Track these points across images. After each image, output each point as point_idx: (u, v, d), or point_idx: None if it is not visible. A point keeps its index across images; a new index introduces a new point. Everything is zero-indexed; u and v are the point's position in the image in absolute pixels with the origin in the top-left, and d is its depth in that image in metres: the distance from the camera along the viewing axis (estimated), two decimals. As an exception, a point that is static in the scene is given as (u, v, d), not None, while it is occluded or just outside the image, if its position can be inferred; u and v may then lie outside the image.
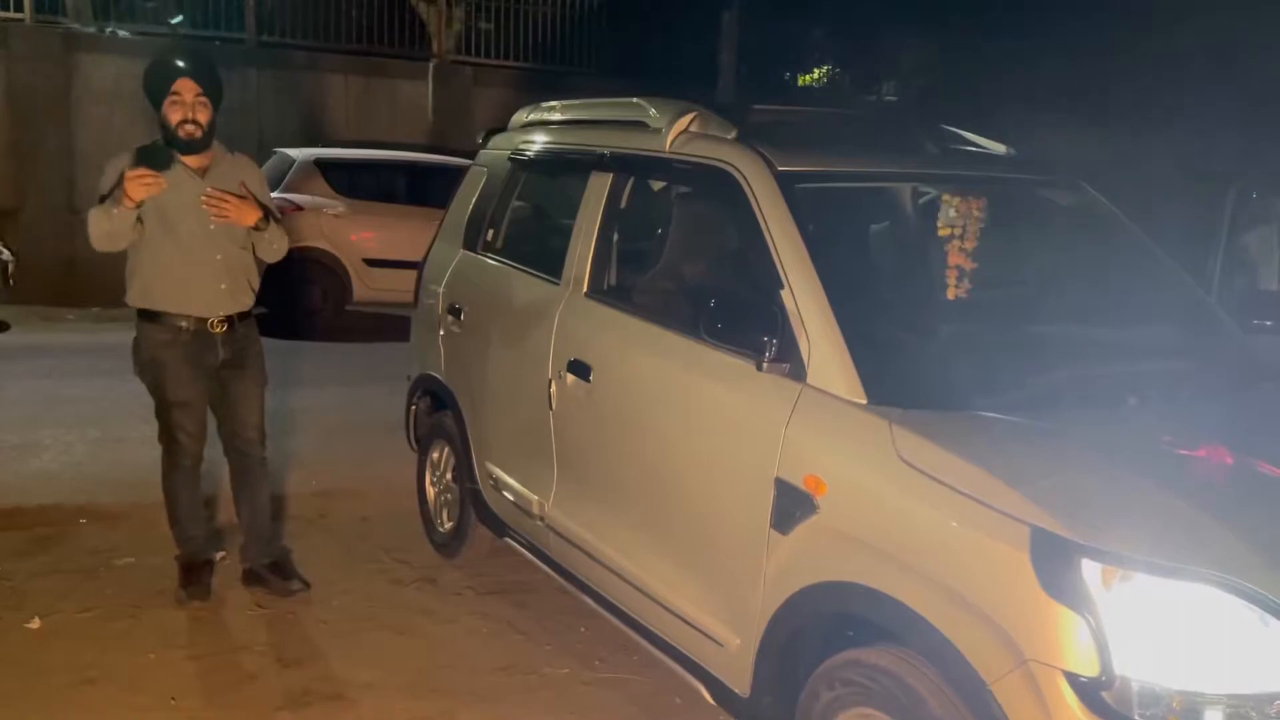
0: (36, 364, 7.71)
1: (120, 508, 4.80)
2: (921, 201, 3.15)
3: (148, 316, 3.72)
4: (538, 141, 4.05)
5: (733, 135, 3.05)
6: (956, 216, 3.00)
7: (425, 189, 9.38)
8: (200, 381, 3.76)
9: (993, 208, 3.07)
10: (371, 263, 9.56)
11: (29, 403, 6.49)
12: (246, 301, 3.82)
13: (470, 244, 4.29)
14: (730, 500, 2.66)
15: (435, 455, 4.53)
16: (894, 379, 2.42)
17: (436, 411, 4.50)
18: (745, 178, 2.87)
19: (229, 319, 3.75)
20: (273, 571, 4.04)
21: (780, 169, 2.86)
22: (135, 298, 3.74)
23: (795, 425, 2.47)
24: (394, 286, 8.96)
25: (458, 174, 4.37)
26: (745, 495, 2.58)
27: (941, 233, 3.02)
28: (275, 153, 9.68)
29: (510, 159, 4.17)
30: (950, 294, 2.97)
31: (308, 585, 4.03)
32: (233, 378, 3.83)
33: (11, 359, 7.94)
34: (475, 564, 4.32)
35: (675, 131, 3.20)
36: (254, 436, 3.94)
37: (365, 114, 11.10)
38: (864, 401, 2.38)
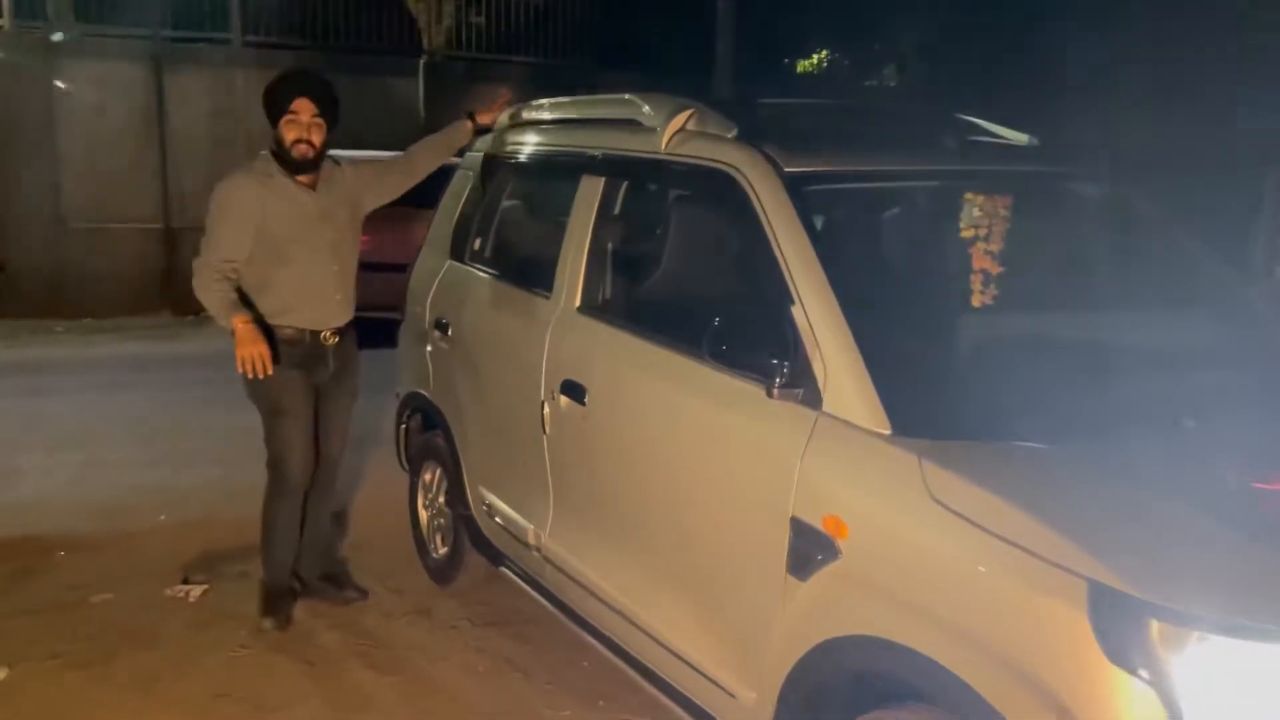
0: (19, 381, 7.48)
1: (101, 537, 4.58)
2: (940, 201, 2.88)
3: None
4: (526, 143, 3.79)
5: (733, 133, 2.79)
6: (981, 216, 2.74)
7: (419, 190, 9.10)
8: (311, 397, 3.74)
9: (1019, 204, 2.80)
10: (365, 266, 9.30)
11: (8, 423, 6.25)
12: (352, 309, 3.81)
13: (457, 254, 4.04)
14: (741, 540, 2.41)
15: (427, 477, 4.29)
16: (921, 405, 2.16)
17: (427, 431, 4.26)
18: (748, 180, 2.61)
19: (339, 330, 3.73)
20: (327, 582, 4.00)
21: (787, 170, 2.60)
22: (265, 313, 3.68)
23: (811, 458, 2.22)
24: (389, 291, 8.72)
25: (450, 174, 4.12)
26: (757, 535, 2.33)
27: (965, 234, 2.75)
28: (261, 156, 9.41)
29: (498, 162, 3.91)
30: (976, 301, 2.70)
31: (365, 594, 4.02)
32: (332, 390, 3.80)
33: (-6, 376, 7.70)
34: (472, 591, 4.08)
35: (671, 130, 2.94)
36: (339, 450, 3.91)
37: (356, 114, 10.74)
38: (888, 432, 2.13)
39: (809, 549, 2.18)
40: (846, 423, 2.19)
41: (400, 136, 10.74)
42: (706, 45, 13.03)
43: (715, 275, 2.87)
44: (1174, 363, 2.46)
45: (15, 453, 5.67)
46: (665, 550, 2.73)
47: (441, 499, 4.15)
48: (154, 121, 10.52)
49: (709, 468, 2.53)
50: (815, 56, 18.72)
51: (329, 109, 3.61)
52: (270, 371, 3.44)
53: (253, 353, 3.40)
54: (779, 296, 2.42)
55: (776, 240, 2.47)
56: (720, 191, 2.72)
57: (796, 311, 2.37)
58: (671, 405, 2.68)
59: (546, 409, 3.20)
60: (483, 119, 3.95)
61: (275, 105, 3.58)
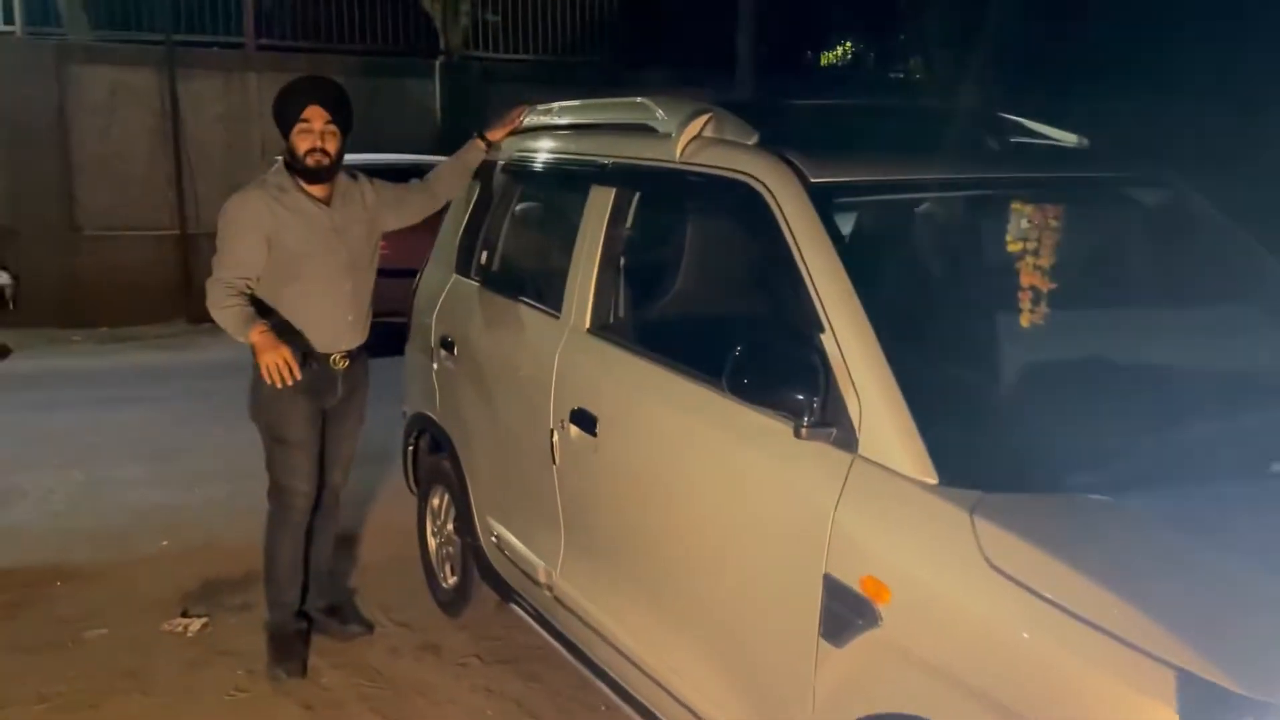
0: (27, 394, 7.33)
1: (99, 566, 4.39)
2: (984, 212, 2.62)
3: None
4: (533, 150, 3.55)
5: (754, 140, 2.55)
6: (1029, 228, 2.48)
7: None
8: (318, 422, 3.53)
9: (1071, 214, 2.54)
10: (382, 273, 9.12)
11: (11, 439, 6.10)
12: (366, 332, 3.59)
13: (462, 268, 3.81)
14: (767, 595, 2.16)
15: (435, 502, 4.06)
16: (971, 450, 1.91)
17: (435, 453, 4.04)
18: (771, 192, 2.36)
19: (350, 354, 3.51)
20: (330, 615, 3.78)
21: (813, 180, 2.35)
22: None
23: (847, 509, 1.97)
24: (403, 297, 8.52)
25: None
26: (786, 591, 2.09)
27: (1012, 248, 2.49)
28: (276, 161, 9.24)
29: (504, 170, 3.68)
30: (1024, 320, 2.44)
31: (370, 628, 3.81)
32: (339, 415, 3.59)
33: (2, 387, 7.55)
34: (482, 624, 3.85)
35: (686, 137, 2.70)
36: (343, 477, 3.72)
37: (371, 116, 10.57)
38: (934, 481, 1.87)
39: (845, 612, 1.93)
40: (886, 469, 1.94)
41: (417, 139, 10.67)
42: (728, 40, 12.78)
43: (735, 296, 2.63)
44: (1257, 394, 2.19)
45: (17, 471, 5.50)
46: (684, 599, 2.49)
47: (450, 527, 3.93)
48: (168, 127, 10.38)
49: (731, 511, 2.28)
50: (839, 48, 18.39)
51: (342, 115, 3.40)
52: (299, 376, 3.17)
53: (275, 359, 3.13)
54: (806, 322, 2.18)
55: (802, 258, 2.23)
56: (740, 204, 2.48)
57: (826, 340, 2.12)
58: (689, 440, 2.44)
59: (556, 438, 2.97)
60: (494, 136, 3.71)
61: (286, 115, 3.37)
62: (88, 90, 10.19)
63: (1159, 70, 10.69)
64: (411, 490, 4.28)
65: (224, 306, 3.24)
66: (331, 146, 3.38)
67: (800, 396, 2.05)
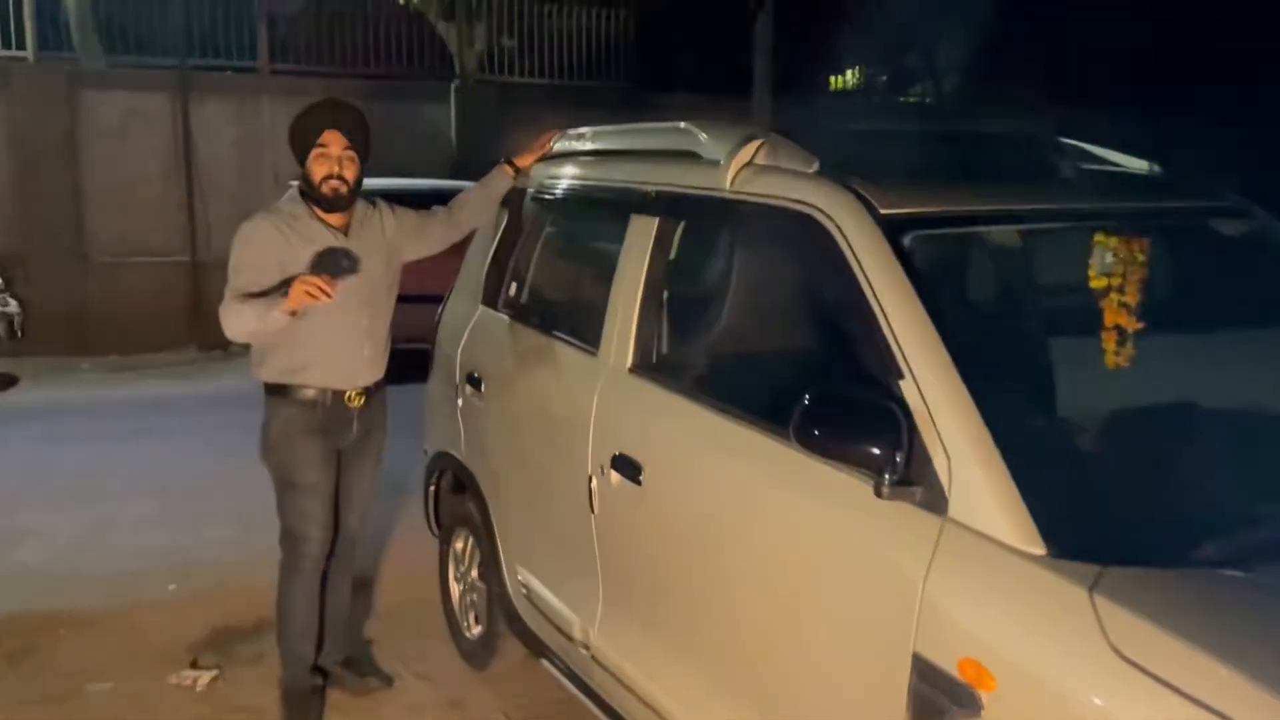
0: (34, 426, 7.13)
1: (105, 613, 4.18)
2: (1064, 246, 2.41)
3: (278, 391, 3.27)
4: (566, 177, 3.37)
5: (814, 168, 2.35)
6: (1115, 262, 2.28)
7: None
8: (332, 464, 3.33)
9: (1158, 248, 2.34)
10: (403, 299, 8.93)
11: (18, 475, 5.89)
12: (384, 367, 3.39)
13: (490, 299, 3.62)
14: (843, 670, 1.95)
15: (459, 545, 3.86)
16: (1082, 516, 1.70)
17: (458, 494, 3.84)
18: (837, 224, 2.16)
19: (366, 390, 3.31)
20: (347, 668, 3.59)
21: (883, 211, 2.15)
22: (271, 373, 3.26)
23: (938, 581, 1.76)
24: (426, 322, 8.33)
25: None
26: (866, 668, 1.88)
27: (1095, 284, 2.30)
28: (291, 186, 9.10)
29: (535, 198, 3.49)
30: (1110, 362, 2.24)
31: (389, 681, 3.62)
32: (354, 455, 3.40)
33: (9, 420, 7.37)
34: (509, 678, 3.64)
35: (737, 164, 2.50)
36: (360, 522, 3.51)
37: (386, 141, 10.41)
38: (1041, 552, 1.66)
39: (939, 698, 1.72)
40: (983, 536, 1.73)
41: (432, 163, 10.53)
42: (743, 64, 12.66)
43: (794, 336, 2.43)
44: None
45: (23, 510, 5.31)
46: (742, 668, 2.28)
47: (475, 573, 3.72)
48: (180, 152, 10.25)
49: (800, 575, 2.07)
50: (849, 72, 18.35)
51: (361, 140, 3.22)
52: (333, 293, 2.89)
53: (305, 287, 2.86)
54: (880, 367, 1.97)
55: (875, 297, 2.03)
56: (800, 237, 2.28)
57: (906, 388, 1.92)
58: (748, 494, 2.23)
59: (595, 484, 2.76)
60: (523, 163, 3.53)
61: (303, 139, 3.20)
62: (100, 116, 10.07)
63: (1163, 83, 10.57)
64: (433, 533, 4.07)
65: (238, 313, 3.02)
66: (349, 173, 3.20)
67: (880, 450, 1.85)
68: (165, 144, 10.25)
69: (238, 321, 3.03)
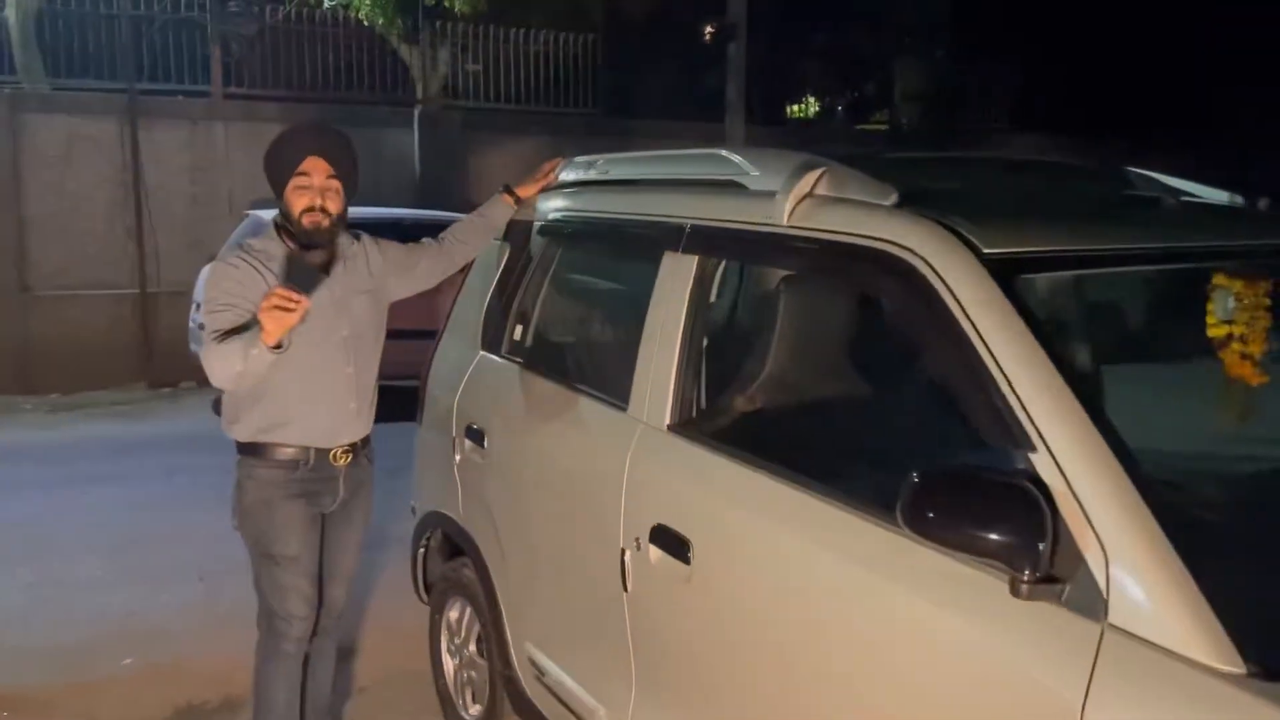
0: (-28, 475, 6.62)
1: (51, 691, 3.75)
2: (1183, 290, 2.14)
3: (253, 450, 2.91)
4: (579, 209, 3.05)
5: (892, 200, 2.06)
6: (1238, 308, 2.01)
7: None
8: (315, 531, 2.98)
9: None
10: (392, 334, 8.48)
11: (-47, 532, 5.41)
12: (370, 423, 3.05)
13: (491, 344, 3.27)
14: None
15: (453, 615, 3.49)
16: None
17: (453, 559, 3.47)
18: (932, 267, 1.86)
19: (353, 446, 2.96)
20: None
21: (987, 251, 1.86)
22: (245, 432, 2.90)
23: (1103, 706, 1.44)
24: (389, 359, 7.93)
25: None
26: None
27: (1213, 333, 2.03)
28: (246, 215, 8.67)
29: (542, 231, 3.16)
30: (1236, 419, 1.97)
31: None
32: (339, 520, 3.04)
33: (-55, 468, 6.84)
34: (513, 765, 3.27)
35: (796, 196, 2.20)
36: (345, 593, 3.14)
37: (346, 167, 10.10)
38: (1240, 671, 1.36)
39: None
40: (1157, 648, 1.43)
41: (395, 190, 10.14)
42: (711, 91, 12.47)
43: (873, 395, 2.12)
44: None
45: (-43, 572, 4.83)
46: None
47: (473, 648, 3.36)
48: (128, 179, 9.76)
49: (904, 688, 1.75)
50: (806, 101, 18.38)
51: (348, 169, 2.87)
52: (307, 303, 2.50)
53: (272, 306, 2.46)
54: (1002, 436, 1.67)
55: (991, 354, 1.72)
56: (880, 279, 1.98)
57: (1039, 462, 1.61)
58: (833, 583, 1.90)
59: (628, 559, 2.43)
60: (525, 193, 3.22)
61: (281, 167, 2.84)
62: (43, 141, 9.56)
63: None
64: (421, 599, 3.70)
65: (221, 349, 2.62)
66: (333, 206, 2.84)
67: (1017, 540, 1.54)
68: (113, 171, 9.76)
69: (222, 365, 2.64)
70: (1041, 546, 1.53)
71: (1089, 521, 1.54)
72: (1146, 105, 12.68)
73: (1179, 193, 2.54)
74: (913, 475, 1.63)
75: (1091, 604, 1.51)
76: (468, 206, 3.52)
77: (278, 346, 2.56)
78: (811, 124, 17.97)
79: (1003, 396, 1.68)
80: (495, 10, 10.70)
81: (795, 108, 18.34)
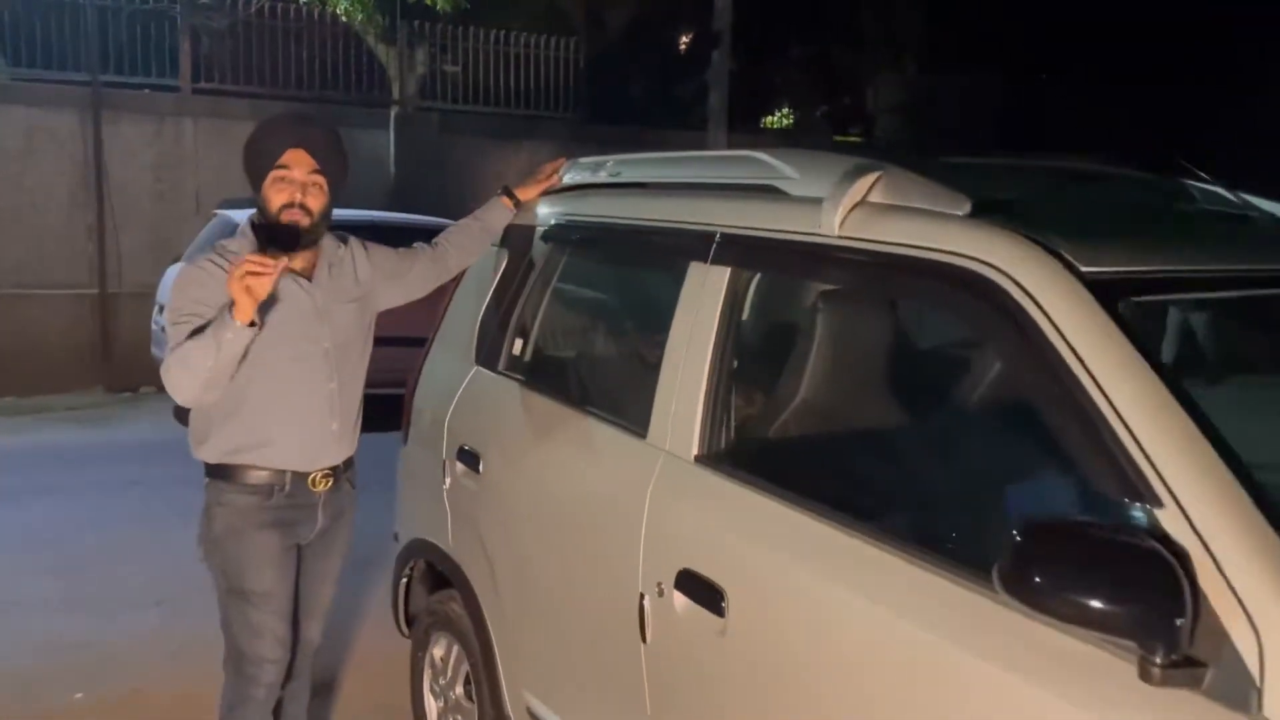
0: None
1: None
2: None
3: (223, 474, 2.62)
4: (589, 214, 2.78)
5: (965, 209, 1.81)
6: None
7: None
8: (290, 564, 2.70)
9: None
10: (379, 341, 8.16)
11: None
12: (353, 445, 2.78)
13: (487, 358, 3.00)
14: None
15: (438, 653, 3.20)
16: None
17: (439, 591, 3.19)
18: (1022, 287, 1.62)
19: (334, 469, 2.68)
20: None
21: (1085, 270, 1.62)
22: (215, 453, 2.61)
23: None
24: (372, 364, 7.56)
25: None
26: None
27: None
28: (215, 214, 8.32)
29: (546, 238, 2.90)
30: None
31: None
32: (318, 551, 2.78)
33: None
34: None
35: (849, 203, 1.95)
36: (318, 631, 2.88)
37: (318, 168, 9.76)
38: None
39: None
40: (1331, 752, 1.19)
41: (369, 192, 9.81)
42: (690, 99, 12.28)
43: (948, 429, 1.86)
44: None
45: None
46: None
47: (459, 689, 3.07)
48: (90, 175, 9.37)
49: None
50: (780, 112, 18.29)
51: (334, 166, 2.60)
52: (285, 262, 2.32)
53: (243, 273, 2.24)
54: (1121, 488, 1.43)
55: (1102, 391, 1.48)
56: (952, 298, 1.74)
57: (1169, 520, 1.37)
58: (900, 654, 1.65)
59: (647, 606, 2.16)
60: (526, 196, 2.96)
61: (259, 158, 2.56)
62: (1, 134, 9.16)
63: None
64: (402, 633, 3.41)
65: (181, 353, 2.36)
66: (315, 203, 2.56)
67: (1148, 614, 1.30)
68: (74, 165, 9.37)
69: (188, 374, 2.35)
70: (1180, 622, 1.28)
71: (1235, 596, 1.30)
72: (1128, 117, 12.74)
73: (1259, 209, 2.33)
74: (1014, 533, 1.38)
75: (1240, 692, 1.27)
76: (443, 210, 3.27)
77: (253, 324, 2.29)
78: (790, 133, 17.86)
79: (1119, 441, 1.44)
80: (475, 11, 10.42)
81: (770, 118, 18.25)
